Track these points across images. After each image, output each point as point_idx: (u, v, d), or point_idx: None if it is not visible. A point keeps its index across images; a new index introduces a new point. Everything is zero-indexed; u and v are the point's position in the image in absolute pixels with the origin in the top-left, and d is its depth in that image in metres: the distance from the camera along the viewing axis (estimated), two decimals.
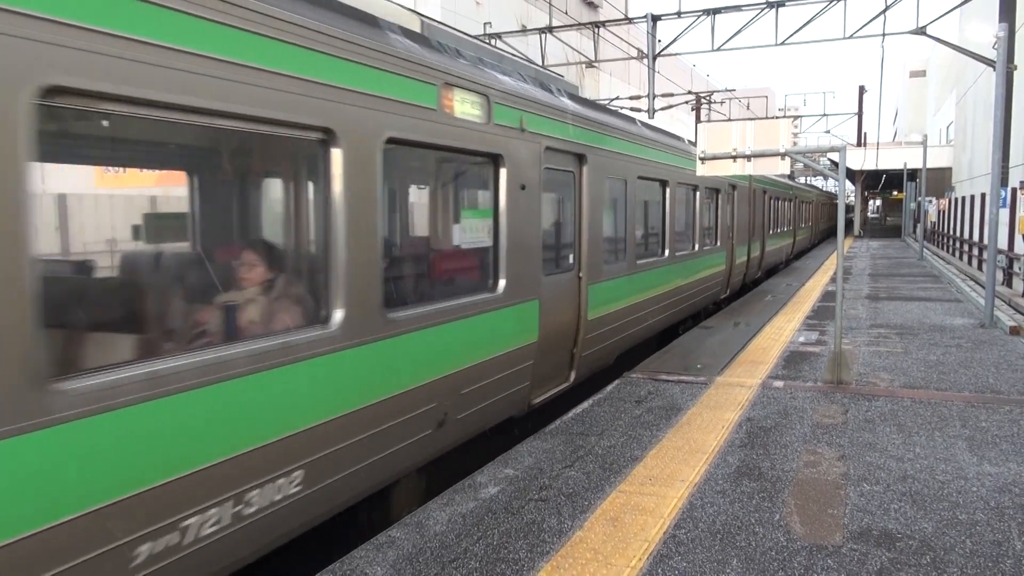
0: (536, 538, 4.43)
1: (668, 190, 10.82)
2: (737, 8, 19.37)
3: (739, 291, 17.63)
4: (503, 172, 5.92)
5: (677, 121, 46.49)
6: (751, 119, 8.92)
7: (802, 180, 49.82)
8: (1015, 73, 17.29)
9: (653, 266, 10.08)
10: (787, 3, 18.54)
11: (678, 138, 12.09)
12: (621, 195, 8.88)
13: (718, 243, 14.07)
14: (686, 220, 12.17)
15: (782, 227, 24.55)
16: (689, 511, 4.81)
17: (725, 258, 14.74)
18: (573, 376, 7.58)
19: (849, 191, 56.93)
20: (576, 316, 7.50)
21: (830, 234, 48.52)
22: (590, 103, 8.31)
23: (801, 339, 11.01)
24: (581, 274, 7.59)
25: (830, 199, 49.47)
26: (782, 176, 26.46)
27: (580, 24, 22.86)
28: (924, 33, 16.78)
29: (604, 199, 8.13)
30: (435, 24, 5.59)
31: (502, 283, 5.95)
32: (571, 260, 7.49)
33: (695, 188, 12.42)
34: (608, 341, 8.38)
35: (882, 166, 42.70)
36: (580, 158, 7.51)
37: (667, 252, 10.77)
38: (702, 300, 13.14)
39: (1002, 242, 19.26)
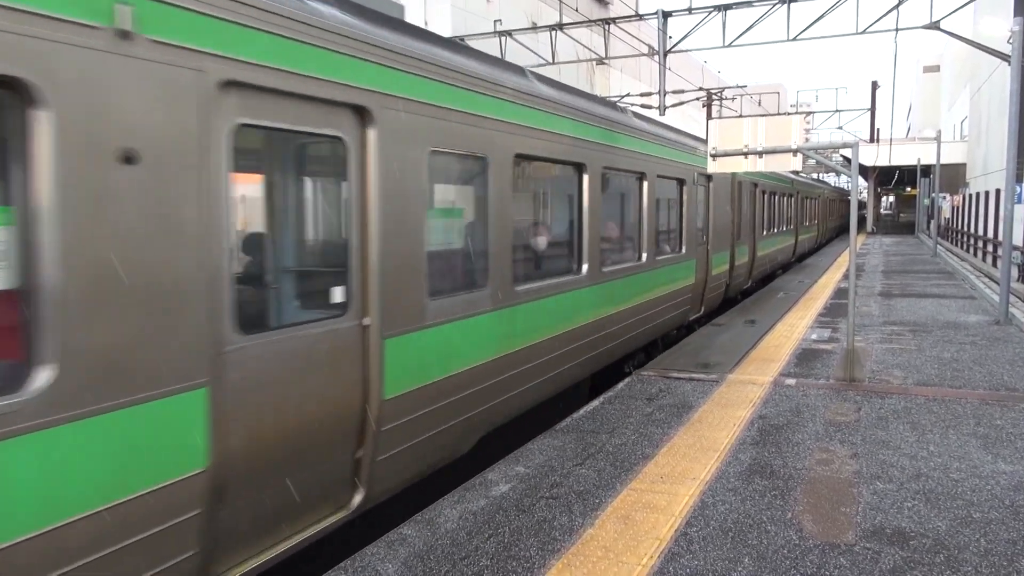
0: (547, 536, 4.44)
1: (586, 178, 7.48)
2: (748, 3, 19.28)
3: (719, 307, 14.29)
4: (44, 122, 2.76)
5: (688, 118, 46.33)
6: (763, 115, 8.88)
7: (815, 176, 49.52)
8: None
9: (553, 292, 6.79)
10: None
11: (610, 105, 8.83)
12: (478, 183, 5.72)
13: (683, 250, 10.98)
14: (626, 221, 9.04)
15: (780, 227, 21.22)
16: (701, 509, 4.80)
17: (695, 269, 11.64)
18: (359, 498, 4.49)
19: (861, 187, 56.57)
20: (359, 396, 4.42)
21: (841, 232, 47.83)
22: (407, 28, 5.01)
23: (813, 336, 10.96)
24: (367, 320, 4.43)
25: (841, 195, 48.93)
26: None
27: (591, 21, 22.83)
28: (938, 28, 16.66)
29: (430, 188, 5.07)
30: None
31: (46, 376, 2.77)
32: (341, 297, 4.32)
33: (641, 177, 9.21)
34: (445, 425, 5.25)
35: (895, 162, 42.41)
36: (361, 114, 4.36)
37: (585, 268, 7.53)
38: (659, 326, 10.07)
39: (1017, 238, 19.08)
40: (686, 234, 11.17)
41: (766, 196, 18.63)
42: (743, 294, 16.78)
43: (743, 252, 15.68)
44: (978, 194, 32.18)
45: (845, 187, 63.46)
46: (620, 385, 8.09)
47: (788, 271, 23.04)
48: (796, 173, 27.92)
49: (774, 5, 18.91)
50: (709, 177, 12.52)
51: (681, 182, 10.98)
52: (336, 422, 4.28)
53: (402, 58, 4.64)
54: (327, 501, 4.32)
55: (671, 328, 10.99)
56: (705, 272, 12.38)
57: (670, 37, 21.17)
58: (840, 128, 46.50)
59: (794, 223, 24.24)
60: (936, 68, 69.38)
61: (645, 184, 9.37)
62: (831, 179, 70.51)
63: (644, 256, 9.35)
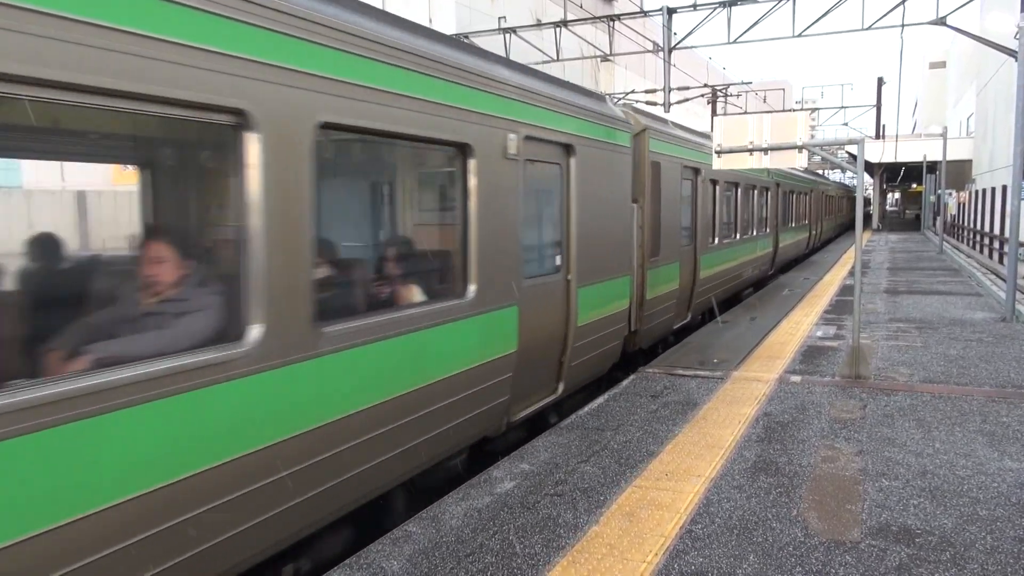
0: (552, 533, 4.44)
1: None
2: (754, 0, 19.21)
3: (614, 369, 8.74)
4: None
5: (693, 115, 46.26)
6: (768, 112, 8.86)
7: (820, 172, 49.23)
8: None
9: None
10: None
11: None
12: None
13: (469, 293, 5.43)
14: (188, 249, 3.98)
15: (748, 231, 15.94)
16: (706, 506, 4.79)
17: (520, 325, 6.07)
18: None
19: (867, 184, 56.32)
20: None
21: (841, 232, 46.47)
22: None
23: (819, 333, 10.93)
24: None
25: (845, 191, 48.48)
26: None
27: (595, 18, 22.79)
28: (944, 23, 16.58)
29: None
30: None
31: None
32: None
33: (279, 131, 3.71)
34: None
35: (901, 159, 42.26)
36: None
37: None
38: (378, 473, 4.63)
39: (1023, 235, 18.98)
40: (477, 262, 5.47)
41: (718, 188, 13.06)
42: (680, 333, 11.39)
43: (668, 275, 10.17)
44: (984, 190, 32.07)
45: (849, 183, 63.23)
46: (625, 382, 8.09)
47: (766, 284, 18.45)
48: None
49: (779, 1, 18.85)
50: (568, 149, 6.92)
51: (464, 151, 5.34)
52: None
53: None
54: None
55: (443, 456, 5.42)
56: (562, 324, 6.95)
57: (675, 34, 21.13)
58: (846, 124, 46.29)
59: (772, 224, 18.79)
60: (942, 64, 69.11)
61: (258, 149, 3.64)
62: (835, 175, 70.28)
63: (283, 332, 3.79)
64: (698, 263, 11.76)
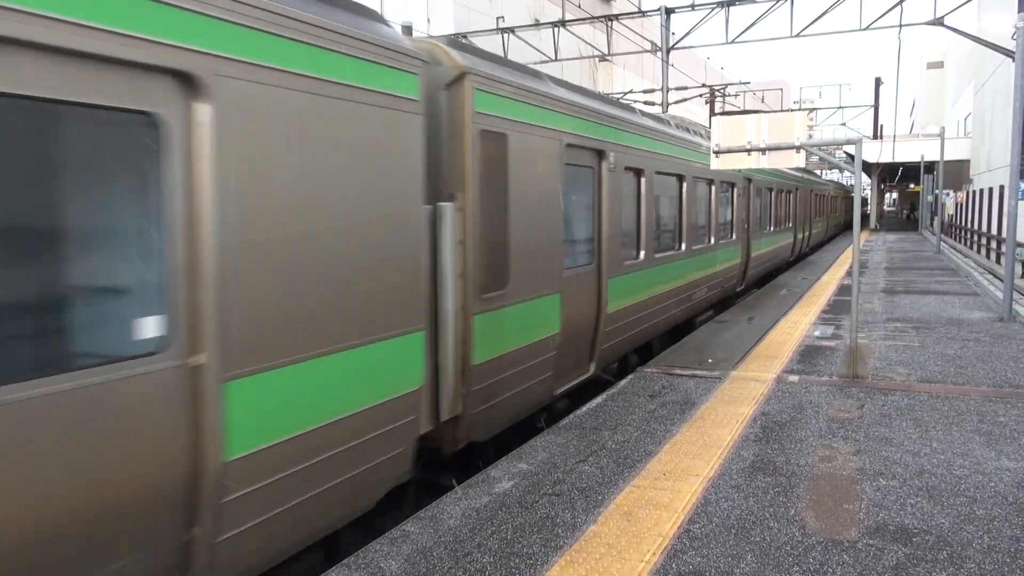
0: (550, 533, 4.44)
1: None
2: (752, 0, 19.23)
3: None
4: None
5: (691, 114, 46.28)
6: (766, 111, 8.86)
7: (816, 172, 49.16)
8: None
9: None
10: None
11: None
12: None
13: None
14: None
15: (704, 239, 12.48)
16: (703, 506, 4.80)
17: None
18: None
19: (864, 184, 56.33)
20: None
21: (836, 235, 45.17)
22: None
23: (816, 333, 10.95)
24: None
25: (843, 191, 48.28)
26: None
27: (593, 17, 22.80)
28: (941, 24, 16.62)
29: None
30: None
31: None
32: None
33: None
34: None
35: (899, 159, 42.31)
36: None
37: None
38: None
39: (1021, 235, 19.01)
40: None
41: (645, 183, 9.33)
42: (581, 392, 8.37)
43: (532, 317, 6.52)
44: (982, 190, 32.11)
45: (845, 183, 63.24)
46: (623, 382, 8.09)
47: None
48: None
49: (777, 1, 18.87)
50: (191, 84, 3.18)
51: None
52: None
53: None
54: None
55: None
56: (183, 465, 3.21)
57: (673, 34, 21.16)
58: (844, 125, 46.40)
59: (742, 230, 15.24)
60: (940, 64, 69.20)
61: None
62: (832, 174, 70.32)
63: None
64: (604, 290, 8.05)
